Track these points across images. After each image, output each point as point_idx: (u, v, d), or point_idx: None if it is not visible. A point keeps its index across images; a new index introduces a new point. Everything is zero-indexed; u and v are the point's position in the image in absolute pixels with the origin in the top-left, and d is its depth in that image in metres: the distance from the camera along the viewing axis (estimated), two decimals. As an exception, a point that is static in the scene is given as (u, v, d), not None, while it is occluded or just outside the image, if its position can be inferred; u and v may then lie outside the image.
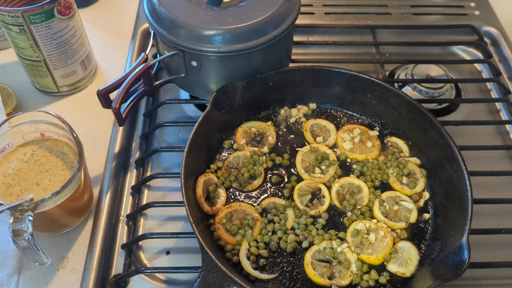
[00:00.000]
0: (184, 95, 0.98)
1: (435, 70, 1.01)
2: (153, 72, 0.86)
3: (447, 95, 1.00)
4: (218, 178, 0.80)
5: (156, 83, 0.86)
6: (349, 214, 0.77)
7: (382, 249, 0.72)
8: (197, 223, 0.68)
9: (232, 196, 0.79)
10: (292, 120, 0.88)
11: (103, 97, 0.78)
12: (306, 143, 0.85)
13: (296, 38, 1.00)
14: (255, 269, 0.71)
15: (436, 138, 0.78)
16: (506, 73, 1.05)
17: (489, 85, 1.05)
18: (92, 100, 0.87)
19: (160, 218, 0.82)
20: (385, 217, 0.76)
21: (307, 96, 0.89)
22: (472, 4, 1.20)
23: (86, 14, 1.12)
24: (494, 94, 1.03)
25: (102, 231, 0.78)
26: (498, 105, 1.01)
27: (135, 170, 0.88)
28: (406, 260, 0.71)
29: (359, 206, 0.77)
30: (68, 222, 0.77)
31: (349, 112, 0.90)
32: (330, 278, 0.70)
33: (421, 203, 0.78)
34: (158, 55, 0.90)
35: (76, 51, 0.92)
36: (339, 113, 0.90)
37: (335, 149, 0.85)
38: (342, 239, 0.73)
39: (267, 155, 0.83)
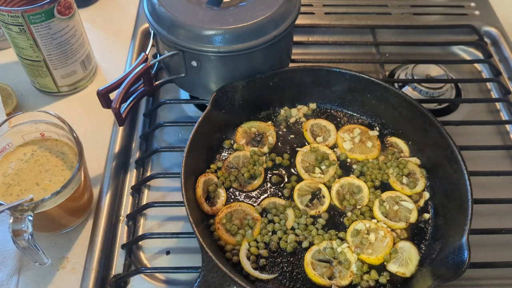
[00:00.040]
0: (184, 95, 0.98)
1: (435, 70, 1.01)
2: (153, 72, 0.86)
3: (447, 95, 1.00)
4: (218, 178, 0.80)
5: (156, 83, 0.86)
6: (349, 214, 0.77)
7: (382, 249, 0.72)
8: (197, 223, 0.68)
9: (232, 196, 0.79)
10: (292, 120, 0.88)
11: (103, 97, 0.78)
12: (306, 143, 0.85)
13: (296, 38, 1.00)
14: (255, 269, 0.71)
15: (436, 138, 0.78)
16: (506, 73, 1.05)
17: (489, 85, 1.05)
18: (92, 100, 0.87)
19: (160, 218, 0.82)
20: (385, 217, 0.76)
21: (307, 96, 0.89)
22: (472, 4, 1.20)
23: (86, 14, 1.12)
24: (494, 94, 1.03)
25: (102, 231, 0.78)
26: (498, 105, 1.01)
27: (135, 170, 0.88)
28: (406, 260, 0.71)
29: (359, 206, 0.77)
30: (68, 222, 0.77)
31: (349, 112, 0.90)
32: (330, 278, 0.70)
33: (421, 203, 0.78)
34: (158, 55, 0.90)
35: (76, 51, 0.92)
36: (339, 113, 0.90)
37: (335, 149, 0.85)
38: (342, 239, 0.73)
39: (267, 155, 0.83)
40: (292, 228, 0.75)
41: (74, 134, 0.72)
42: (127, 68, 1.02)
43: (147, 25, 1.08)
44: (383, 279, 0.70)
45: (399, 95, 0.82)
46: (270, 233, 0.74)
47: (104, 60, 1.04)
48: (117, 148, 0.88)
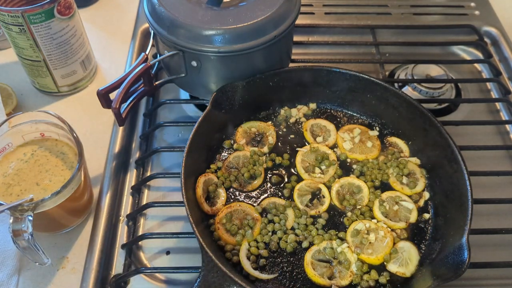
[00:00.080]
0: (184, 95, 0.98)
1: (435, 70, 1.01)
2: (153, 72, 0.86)
3: (447, 95, 1.00)
4: (218, 178, 0.79)
5: (156, 83, 0.86)
6: (349, 214, 0.77)
7: (382, 249, 0.72)
8: (197, 223, 0.68)
9: (232, 196, 0.79)
10: (292, 120, 0.88)
11: (103, 97, 0.78)
12: (306, 143, 0.85)
13: (296, 38, 1.00)
14: (255, 269, 0.71)
15: (436, 138, 0.78)
16: (506, 73, 1.05)
17: (489, 85, 1.05)
18: (92, 100, 0.87)
19: (160, 218, 0.82)
20: (385, 217, 0.76)
21: (307, 96, 0.89)
22: (472, 4, 1.20)
23: (86, 14, 1.12)
24: (494, 94, 1.03)
25: (102, 231, 0.78)
26: (498, 105, 1.01)
27: (135, 170, 0.88)
28: (406, 260, 0.71)
29: (359, 206, 0.77)
30: (68, 222, 0.77)
31: (349, 112, 0.90)
32: (330, 278, 0.70)
33: (421, 203, 0.78)
34: (158, 55, 0.90)
35: (76, 51, 0.92)
36: (339, 113, 0.90)
37: (335, 149, 0.85)
38: (342, 239, 0.73)
39: (267, 155, 0.83)
40: (292, 228, 0.75)
41: (74, 134, 0.72)
42: (127, 68, 1.02)
43: (147, 25, 1.08)
44: (383, 279, 0.70)
45: (399, 95, 0.82)
46: (270, 233, 0.74)
47: (104, 60, 1.04)
48: (117, 148, 0.88)
